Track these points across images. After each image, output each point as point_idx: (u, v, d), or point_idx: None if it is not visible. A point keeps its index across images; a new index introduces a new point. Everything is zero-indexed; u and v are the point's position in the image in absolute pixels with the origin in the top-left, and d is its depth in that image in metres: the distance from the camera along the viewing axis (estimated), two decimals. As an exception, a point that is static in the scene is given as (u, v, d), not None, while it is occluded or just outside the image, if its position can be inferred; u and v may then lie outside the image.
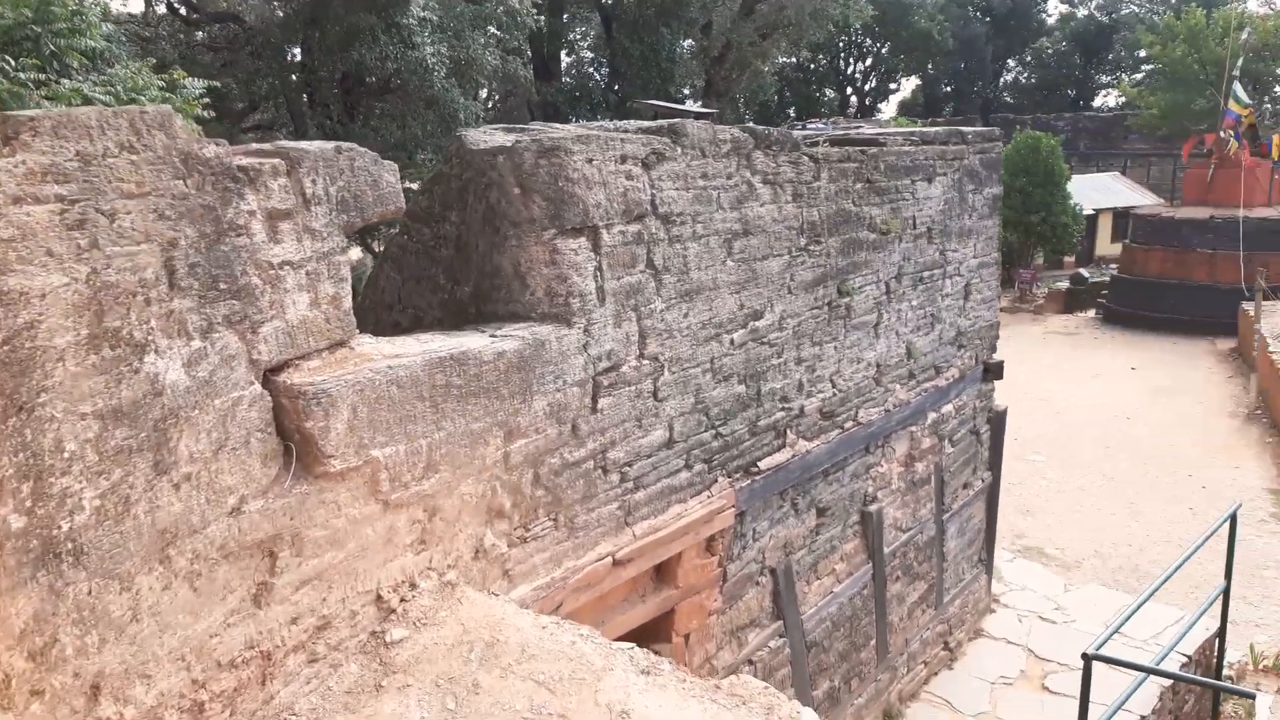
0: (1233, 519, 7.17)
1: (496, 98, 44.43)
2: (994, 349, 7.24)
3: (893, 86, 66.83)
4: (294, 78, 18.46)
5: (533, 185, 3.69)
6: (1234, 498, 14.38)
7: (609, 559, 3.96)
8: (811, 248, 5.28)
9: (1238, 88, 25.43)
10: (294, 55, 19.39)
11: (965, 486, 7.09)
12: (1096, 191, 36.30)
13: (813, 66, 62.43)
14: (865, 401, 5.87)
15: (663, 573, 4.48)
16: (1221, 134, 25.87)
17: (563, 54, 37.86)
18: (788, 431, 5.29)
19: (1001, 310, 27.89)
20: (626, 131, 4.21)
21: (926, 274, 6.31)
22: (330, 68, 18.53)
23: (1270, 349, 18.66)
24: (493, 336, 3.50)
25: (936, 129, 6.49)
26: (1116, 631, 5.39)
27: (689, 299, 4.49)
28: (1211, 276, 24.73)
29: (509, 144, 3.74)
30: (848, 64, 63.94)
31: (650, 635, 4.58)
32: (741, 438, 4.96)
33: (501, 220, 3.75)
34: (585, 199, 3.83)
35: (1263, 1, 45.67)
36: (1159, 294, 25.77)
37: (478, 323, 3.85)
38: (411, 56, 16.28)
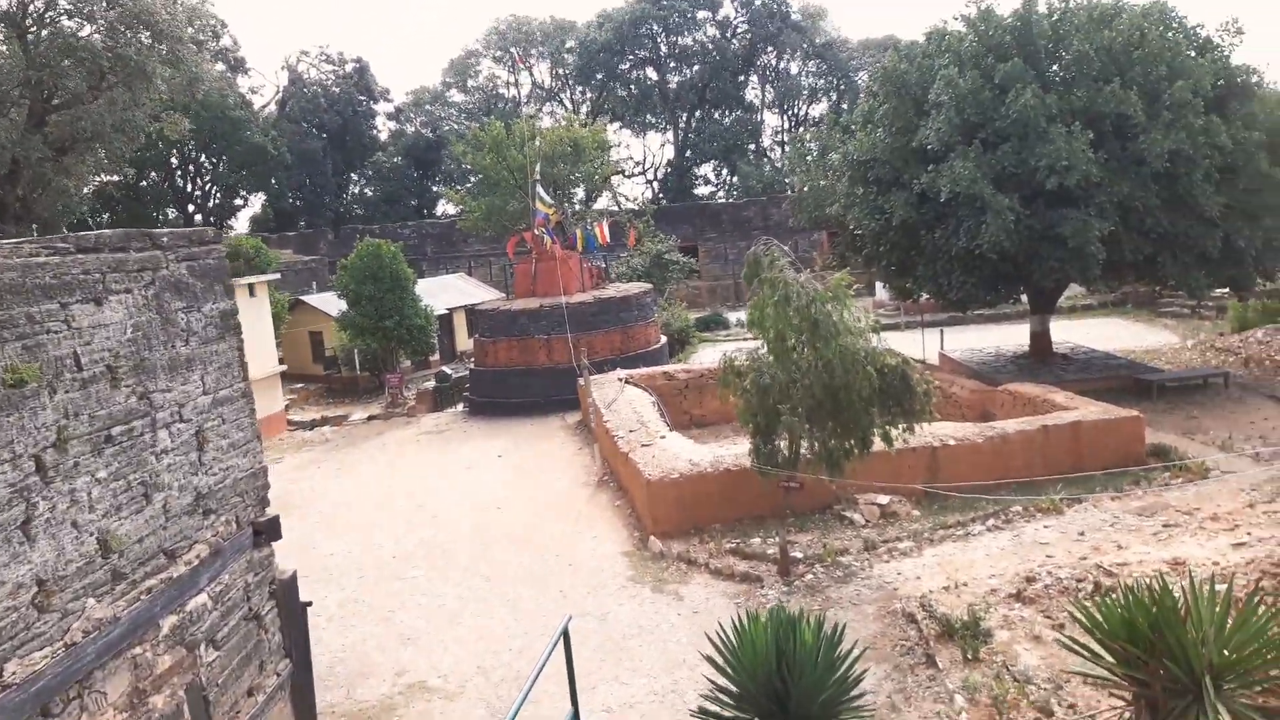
0: (565, 635, 6.51)
1: None
2: (264, 504, 5.63)
3: (239, 203, 64.10)
4: None
5: None
6: (595, 569, 14.99)
7: None
8: None
9: (541, 189, 28.46)
10: None
11: (251, 694, 5.30)
12: (446, 292, 38.18)
13: (145, 184, 56.93)
14: (22, 645, 3.78)
15: None
16: (536, 231, 28.67)
17: None
18: None
19: (375, 418, 26.75)
20: None
21: (118, 430, 4.45)
22: None
23: (605, 418, 20.40)
24: None
25: (103, 232, 4.72)
26: None
27: None
28: (550, 359, 26.96)
29: None
30: (186, 181, 59.62)
31: None
32: None
33: None
34: None
35: (549, 114, 53.45)
36: (510, 381, 27.35)
37: None
38: None
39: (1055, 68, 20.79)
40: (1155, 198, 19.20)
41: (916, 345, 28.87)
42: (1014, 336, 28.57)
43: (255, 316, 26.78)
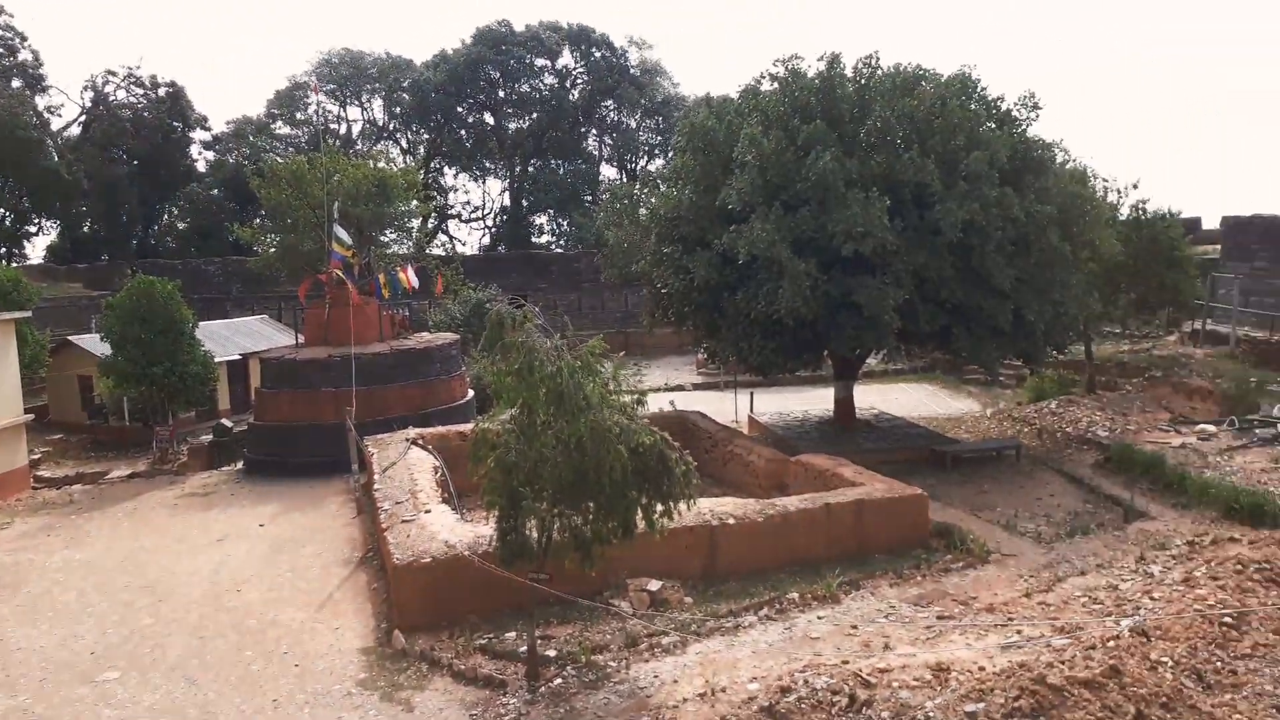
0: None
1: None
2: None
3: (32, 229, 58.17)
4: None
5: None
6: (325, 670, 12.82)
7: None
8: None
9: (339, 230, 26.25)
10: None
11: None
12: (242, 336, 35.10)
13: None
14: None
15: None
16: (331, 274, 26.41)
17: None
18: None
19: (137, 476, 23.07)
20: None
21: None
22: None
23: (375, 485, 18.37)
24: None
25: None
26: None
27: None
28: (339, 414, 24.55)
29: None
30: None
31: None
32: None
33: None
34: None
35: (354, 152, 51.00)
36: (293, 438, 24.80)
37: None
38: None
39: (861, 133, 20.37)
40: (950, 268, 19.04)
41: (730, 406, 28.23)
42: (824, 401, 28.26)
43: (-7, 359, 23.37)
